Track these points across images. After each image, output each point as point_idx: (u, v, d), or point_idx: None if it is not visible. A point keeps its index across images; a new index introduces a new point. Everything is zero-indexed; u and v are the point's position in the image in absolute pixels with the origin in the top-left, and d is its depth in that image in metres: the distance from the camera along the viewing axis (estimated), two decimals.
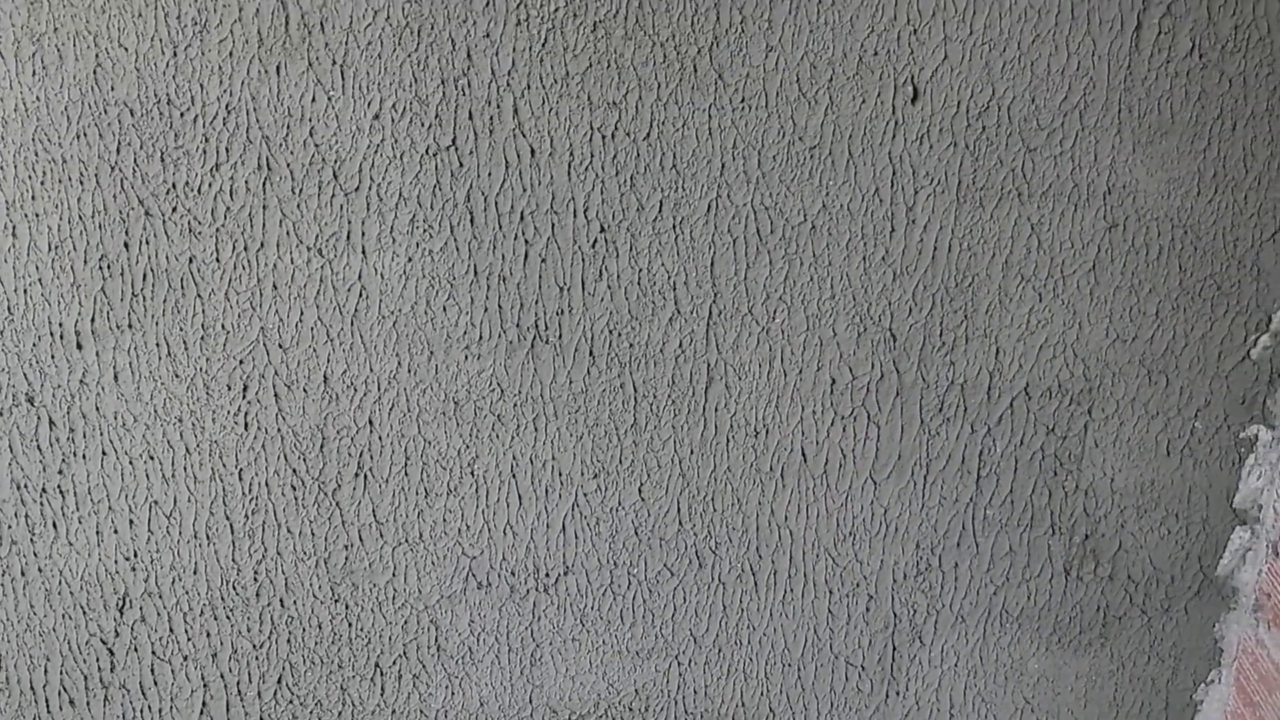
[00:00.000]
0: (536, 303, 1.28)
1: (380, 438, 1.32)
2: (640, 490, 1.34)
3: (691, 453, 1.33)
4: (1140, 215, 1.23)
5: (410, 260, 1.26)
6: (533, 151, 1.23)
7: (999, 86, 1.20)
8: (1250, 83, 1.18)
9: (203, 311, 1.27)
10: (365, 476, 1.34)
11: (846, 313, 1.27)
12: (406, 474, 1.34)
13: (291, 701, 1.43)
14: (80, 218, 1.24)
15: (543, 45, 1.19)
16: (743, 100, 1.21)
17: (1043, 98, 1.20)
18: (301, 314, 1.28)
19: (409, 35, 1.19)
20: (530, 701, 1.44)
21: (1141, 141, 1.20)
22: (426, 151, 1.23)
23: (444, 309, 1.28)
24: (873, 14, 1.17)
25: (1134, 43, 1.18)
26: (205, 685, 1.41)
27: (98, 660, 1.40)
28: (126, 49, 1.19)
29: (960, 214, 1.24)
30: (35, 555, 1.36)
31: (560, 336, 1.29)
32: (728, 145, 1.22)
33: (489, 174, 1.23)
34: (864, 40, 1.18)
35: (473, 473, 1.34)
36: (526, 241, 1.26)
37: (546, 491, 1.34)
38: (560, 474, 1.34)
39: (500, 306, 1.28)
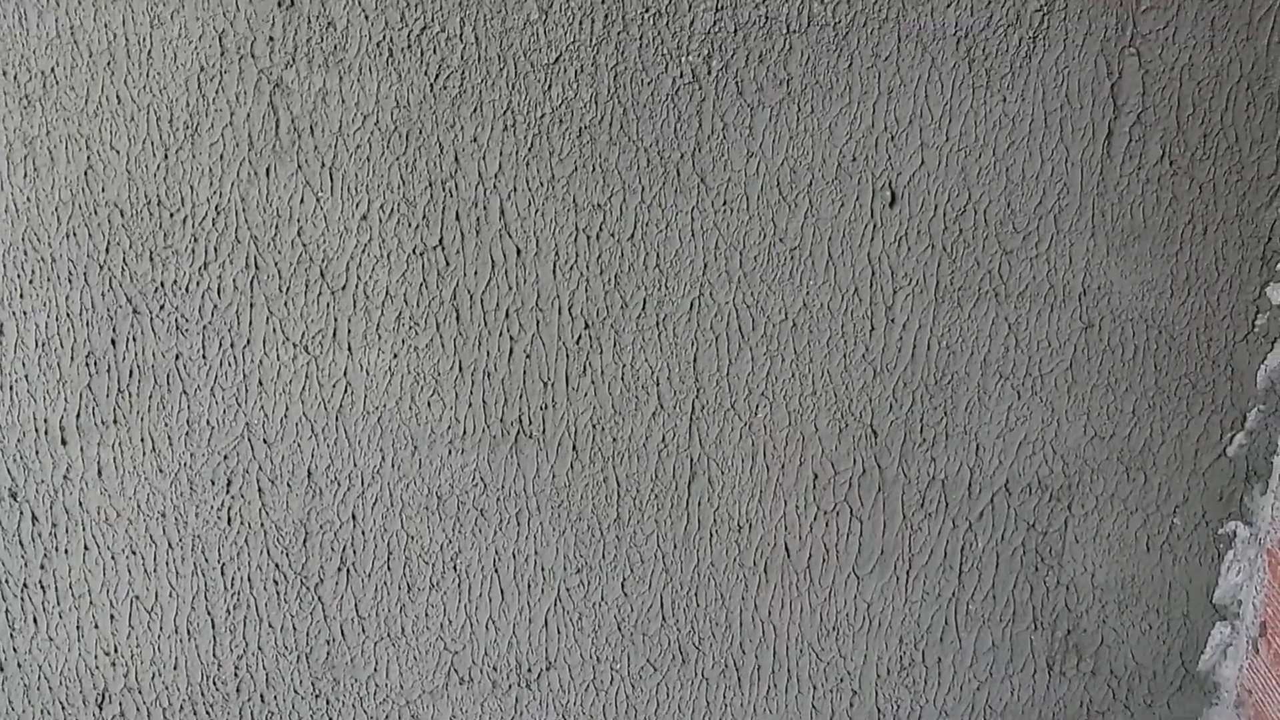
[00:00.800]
0: (520, 398, 1.29)
1: (363, 532, 1.32)
2: (623, 585, 1.34)
3: (674, 547, 1.33)
4: (1115, 316, 1.25)
5: (396, 356, 1.27)
6: (518, 251, 1.25)
7: (975, 191, 1.22)
8: (1220, 189, 1.21)
9: (188, 407, 1.28)
10: (348, 571, 1.33)
11: (828, 409, 1.29)
12: (389, 568, 1.33)
13: None
14: (68, 315, 1.25)
15: (529, 149, 1.21)
16: (725, 203, 1.23)
17: (1018, 202, 1.22)
18: (286, 409, 1.28)
19: (397, 139, 1.21)
20: None
21: (1115, 244, 1.23)
22: (414, 251, 1.24)
23: (428, 404, 1.29)
24: (851, 121, 1.20)
25: (1106, 150, 1.21)
26: None
27: None
28: (118, 151, 1.21)
29: (939, 314, 1.26)
30: (15, 650, 1.35)
31: (544, 431, 1.30)
32: (710, 246, 1.24)
33: (475, 273, 1.25)
34: (843, 146, 1.21)
35: (455, 567, 1.34)
36: (511, 338, 1.27)
37: (529, 586, 1.34)
38: (543, 569, 1.34)
39: (484, 402, 1.29)
